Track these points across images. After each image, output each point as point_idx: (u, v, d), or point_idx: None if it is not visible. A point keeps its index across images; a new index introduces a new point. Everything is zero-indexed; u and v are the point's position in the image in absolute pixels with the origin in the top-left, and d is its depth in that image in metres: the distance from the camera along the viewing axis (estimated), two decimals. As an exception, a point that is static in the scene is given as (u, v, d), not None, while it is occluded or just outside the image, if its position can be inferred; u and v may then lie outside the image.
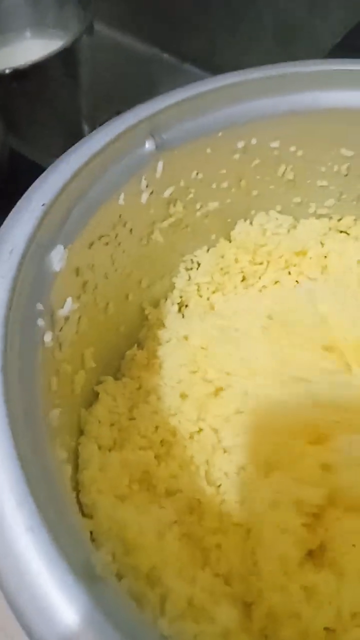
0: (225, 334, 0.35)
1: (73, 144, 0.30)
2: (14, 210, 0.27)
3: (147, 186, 0.32)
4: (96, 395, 0.33)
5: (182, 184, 0.34)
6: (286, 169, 0.37)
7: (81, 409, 0.31)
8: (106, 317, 0.33)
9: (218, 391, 0.33)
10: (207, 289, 0.38)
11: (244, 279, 0.39)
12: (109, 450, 0.31)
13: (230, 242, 0.39)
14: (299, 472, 0.29)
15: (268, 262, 0.39)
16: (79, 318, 0.30)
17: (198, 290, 0.38)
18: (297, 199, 0.39)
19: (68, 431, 0.28)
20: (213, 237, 0.39)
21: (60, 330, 0.27)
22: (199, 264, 0.39)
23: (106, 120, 0.31)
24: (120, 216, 0.32)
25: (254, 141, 0.35)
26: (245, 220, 0.39)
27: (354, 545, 0.28)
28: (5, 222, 0.27)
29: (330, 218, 0.40)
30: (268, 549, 0.27)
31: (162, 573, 0.25)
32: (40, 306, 0.26)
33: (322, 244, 0.40)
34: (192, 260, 0.39)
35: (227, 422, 0.32)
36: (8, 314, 0.24)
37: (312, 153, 0.36)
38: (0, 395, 0.22)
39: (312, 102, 0.34)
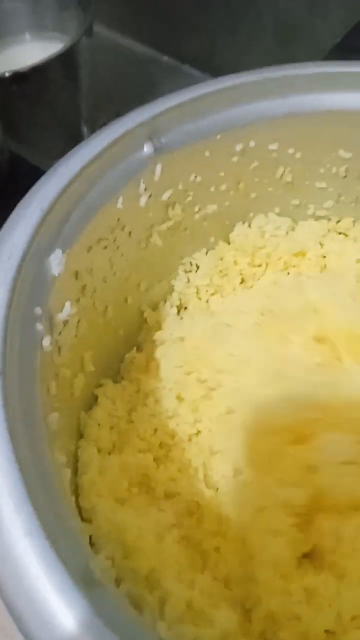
0: (217, 332, 0.35)
1: (73, 147, 0.30)
2: (12, 214, 0.27)
3: (145, 189, 0.32)
4: (95, 398, 0.33)
5: (180, 187, 0.34)
6: (284, 171, 0.37)
7: (80, 412, 0.31)
8: (105, 320, 0.33)
9: (210, 391, 0.33)
10: (206, 291, 0.38)
11: (242, 281, 0.39)
12: (108, 453, 0.31)
13: (229, 244, 0.39)
14: (282, 474, 0.29)
15: (267, 264, 0.39)
16: (78, 322, 0.30)
17: (197, 292, 0.38)
18: (296, 201, 0.39)
19: (67, 434, 0.29)
20: (212, 239, 0.39)
21: (59, 334, 0.28)
22: (197, 267, 0.39)
23: (106, 122, 0.32)
24: (118, 220, 0.32)
25: (252, 144, 0.35)
26: (243, 222, 0.39)
27: (354, 548, 0.28)
28: (4, 227, 0.27)
29: (329, 220, 0.40)
30: (261, 554, 0.27)
31: (161, 576, 0.25)
32: (39, 310, 0.26)
33: (321, 244, 0.40)
34: (191, 262, 0.39)
35: (219, 423, 0.32)
36: (7, 318, 0.24)
37: (310, 155, 0.36)
38: (-1, 399, 0.22)
39: (310, 104, 0.34)
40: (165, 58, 0.68)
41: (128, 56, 0.69)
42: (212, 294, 0.39)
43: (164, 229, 0.35)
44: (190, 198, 0.35)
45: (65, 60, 0.50)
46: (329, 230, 0.40)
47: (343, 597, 0.27)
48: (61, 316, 0.28)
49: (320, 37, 0.56)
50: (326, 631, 0.26)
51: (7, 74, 0.47)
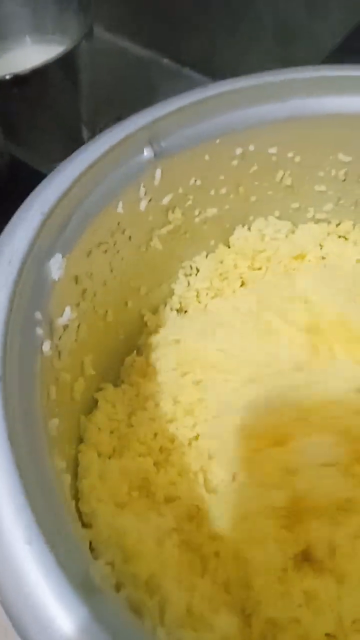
0: (209, 329, 0.35)
1: (73, 150, 0.30)
2: (13, 218, 0.28)
3: (145, 194, 0.32)
4: (95, 402, 0.33)
5: (180, 191, 0.34)
6: (284, 174, 0.37)
7: (80, 416, 0.31)
8: (105, 324, 0.33)
9: (204, 394, 0.33)
10: (206, 294, 0.38)
11: (243, 284, 0.39)
12: (109, 457, 0.31)
13: (229, 247, 0.39)
14: (263, 477, 0.29)
15: (267, 267, 0.39)
16: (78, 326, 0.30)
17: (197, 296, 0.38)
18: (296, 204, 0.39)
19: (67, 439, 0.29)
20: (212, 243, 0.39)
21: (59, 339, 0.28)
22: (198, 270, 0.39)
23: (106, 125, 0.32)
24: (118, 224, 0.32)
25: (252, 147, 0.35)
26: (243, 226, 0.39)
27: (354, 551, 0.28)
28: (4, 231, 0.27)
29: (329, 223, 0.40)
30: (252, 560, 0.27)
31: (161, 581, 0.25)
32: (39, 315, 0.26)
33: (320, 246, 0.40)
34: (191, 266, 0.39)
35: (211, 427, 0.32)
36: (7, 323, 0.24)
37: (309, 159, 0.36)
38: (-1, 406, 0.22)
39: (309, 108, 0.34)
40: (165, 60, 0.68)
41: (128, 59, 0.69)
42: (212, 298, 0.39)
43: (164, 233, 0.35)
44: (190, 202, 0.35)
45: (65, 63, 0.50)
46: (329, 234, 0.40)
47: (343, 601, 0.27)
48: (61, 321, 0.28)
49: (320, 37, 0.56)
50: (327, 635, 0.26)
51: (7, 77, 0.47)
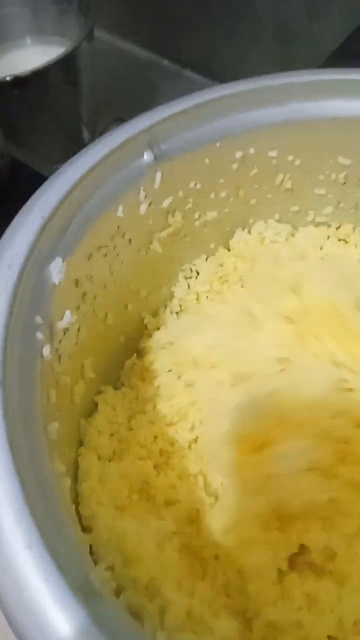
0: (199, 326, 0.35)
1: (73, 151, 0.30)
2: (13, 221, 0.28)
3: (145, 197, 0.32)
4: (95, 405, 0.33)
5: (180, 194, 0.34)
6: (284, 177, 0.37)
7: (80, 419, 0.31)
8: (105, 327, 0.33)
9: (195, 396, 0.33)
10: (207, 297, 0.39)
11: (242, 287, 0.39)
12: (109, 460, 0.31)
13: (229, 250, 0.39)
14: (245, 483, 0.29)
15: (266, 269, 0.39)
16: (78, 329, 0.30)
17: (197, 299, 0.38)
18: (295, 208, 0.39)
19: (67, 442, 0.29)
20: (212, 246, 0.39)
21: (59, 343, 0.28)
22: (198, 273, 0.39)
23: (106, 126, 0.32)
24: (118, 227, 0.32)
25: (251, 151, 0.35)
26: (243, 229, 0.39)
27: (354, 553, 0.28)
28: (4, 235, 0.27)
29: (329, 226, 0.40)
30: (245, 566, 0.27)
31: (161, 584, 0.25)
32: (39, 319, 0.26)
33: (321, 249, 0.40)
34: (191, 269, 0.39)
35: (204, 431, 0.32)
36: (7, 327, 0.24)
37: (309, 162, 0.36)
38: (-1, 409, 0.22)
39: (309, 111, 0.34)
40: (166, 62, 0.68)
41: (128, 60, 0.69)
42: (212, 300, 0.39)
43: (164, 236, 0.35)
44: (190, 205, 0.35)
45: (65, 65, 0.50)
46: (329, 237, 0.40)
47: (344, 603, 0.27)
48: (61, 324, 0.28)
49: (320, 38, 0.56)
50: (328, 637, 0.26)
51: (7, 79, 0.48)
